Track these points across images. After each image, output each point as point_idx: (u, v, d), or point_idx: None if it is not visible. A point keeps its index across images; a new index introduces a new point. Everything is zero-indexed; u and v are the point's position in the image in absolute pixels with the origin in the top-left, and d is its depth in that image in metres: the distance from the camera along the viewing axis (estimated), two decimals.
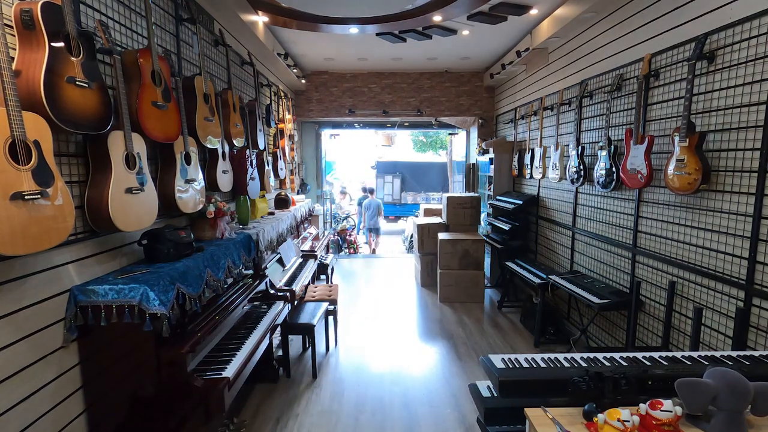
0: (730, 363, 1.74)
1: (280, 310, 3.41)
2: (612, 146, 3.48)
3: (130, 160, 2.05)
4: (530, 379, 1.65)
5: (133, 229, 2.09)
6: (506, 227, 5.68)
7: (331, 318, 4.43)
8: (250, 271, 3.45)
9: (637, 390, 1.53)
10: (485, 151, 6.69)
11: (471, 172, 8.03)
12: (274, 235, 3.87)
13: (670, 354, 1.87)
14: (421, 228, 6.47)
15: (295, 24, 4.71)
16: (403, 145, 19.56)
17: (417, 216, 8.34)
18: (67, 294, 1.90)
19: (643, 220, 3.31)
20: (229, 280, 2.80)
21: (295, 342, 4.34)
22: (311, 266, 5.36)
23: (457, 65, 6.90)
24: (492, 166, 6.47)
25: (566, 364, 1.74)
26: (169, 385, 2.05)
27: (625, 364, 1.74)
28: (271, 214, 4.47)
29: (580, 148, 4.04)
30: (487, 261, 6.67)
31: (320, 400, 3.41)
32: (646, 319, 3.28)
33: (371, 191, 10.58)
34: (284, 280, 4.32)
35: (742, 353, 1.86)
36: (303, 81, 6.98)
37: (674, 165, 2.69)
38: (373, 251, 9.90)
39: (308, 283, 5.04)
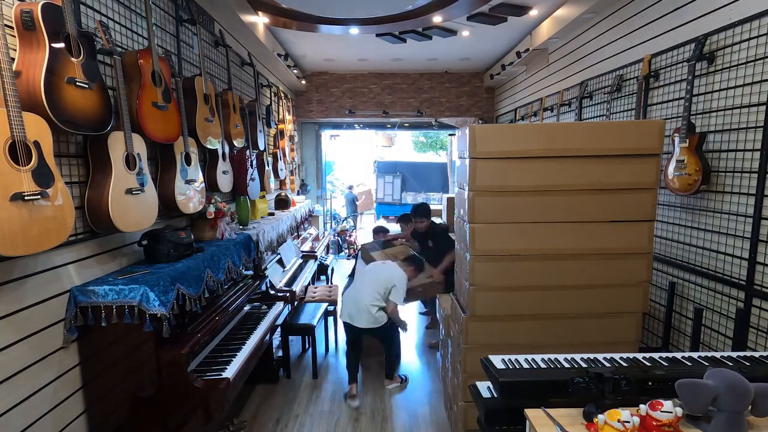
0: (730, 364, 1.73)
1: (280, 311, 3.41)
2: None
3: (130, 161, 2.05)
4: (530, 379, 1.65)
5: (133, 229, 2.10)
6: None
7: (331, 319, 4.43)
8: (251, 272, 3.45)
9: (637, 391, 1.52)
10: None
11: None
12: (274, 236, 3.87)
13: (670, 355, 1.87)
14: None
15: (295, 25, 4.71)
16: (403, 145, 19.56)
17: None
18: (67, 294, 1.90)
19: None
20: (229, 281, 2.80)
21: (296, 343, 4.33)
22: (311, 267, 5.36)
23: (457, 66, 6.90)
24: None
25: (566, 365, 1.74)
26: (169, 385, 2.05)
27: (625, 364, 1.74)
28: (271, 214, 4.47)
29: None
30: None
31: (320, 401, 3.41)
32: (646, 319, 3.28)
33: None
34: (284, 280, 4.31)
35: (742, 354, 1.85)
36: (303, 82, 6.98)
37: (674, 166, 2.69)
38: None
39: (308, 284, 5.04)
